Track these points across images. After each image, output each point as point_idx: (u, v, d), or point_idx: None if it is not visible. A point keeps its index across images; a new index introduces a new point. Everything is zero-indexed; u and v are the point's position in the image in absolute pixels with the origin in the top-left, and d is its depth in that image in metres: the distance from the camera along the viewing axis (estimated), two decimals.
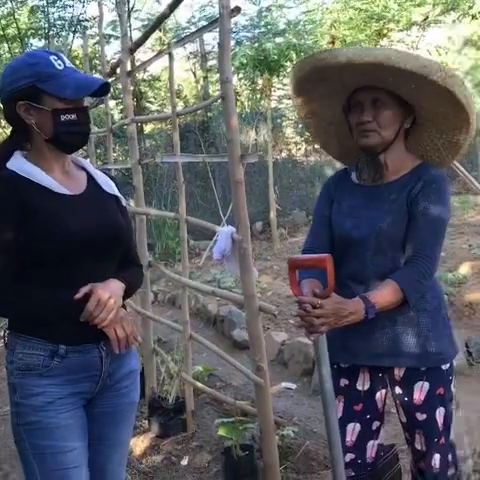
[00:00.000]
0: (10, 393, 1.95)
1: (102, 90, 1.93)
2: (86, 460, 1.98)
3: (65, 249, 1.86)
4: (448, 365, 2.23)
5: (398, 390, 2.26)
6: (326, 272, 1.92)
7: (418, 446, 2.26)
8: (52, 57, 1.89)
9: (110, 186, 2.08)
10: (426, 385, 2.20)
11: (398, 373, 2.24)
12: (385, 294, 2.05)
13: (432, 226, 2.12)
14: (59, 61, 1.88)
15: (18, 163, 1.91)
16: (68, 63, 1.91)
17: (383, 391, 2.32)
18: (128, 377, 2.09)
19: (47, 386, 1.90)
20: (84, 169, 2.08)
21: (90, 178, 2.06)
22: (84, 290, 1.85)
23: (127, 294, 2.03)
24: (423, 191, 2.13)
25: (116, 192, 2.09)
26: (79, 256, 1.89)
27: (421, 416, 2.23)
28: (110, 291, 1.89)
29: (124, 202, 2.13)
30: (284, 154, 16.49)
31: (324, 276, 1.95)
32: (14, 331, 1.95)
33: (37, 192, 1.88)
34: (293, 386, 4.87)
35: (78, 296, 1.84)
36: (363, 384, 2.30)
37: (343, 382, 2.32)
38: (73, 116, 1.89)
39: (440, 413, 2.22)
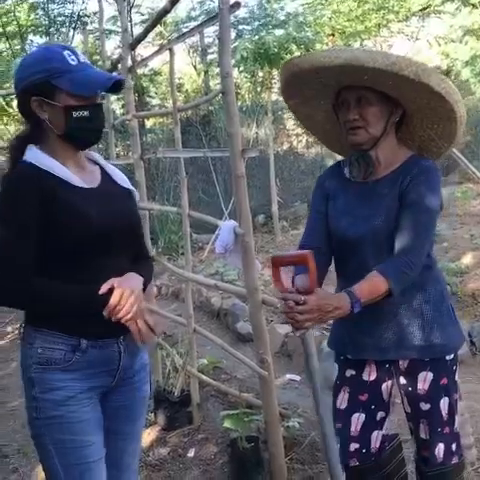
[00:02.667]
0: (26, 388, 1.95)
1: (115, 86, 1.93)
2: (104, 453, 2.01)
3: (84, 241, 1.88)
4: (452, 355, 2.25)
5: (402, 380, 2.28)
6: (308, 269, 1.92)
7: (423, 435, 2.29)
8: (66, 52, 1.89)
9: (124, 180, 2.09)
10: (430, 375, 2.22)
11: (402, 364, 2.26)
12: (370, 287, 2.03)
13: (420, 216, 2.11)
14: (73, 56, 1.88)
15: (35, 155, 1.91)
16: (82, 58, 1.91)
17: (389, 382, 2.34)
18: (141, 371, 2.13)
19: (68, 380, 1.91)
20: (97, 163, 2.09)
21: (103, 172, 2.07)
22: (107, 285, 1.87)
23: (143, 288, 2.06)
24: (412, 182, 2.14)
25: (129, 186, 2.10)
26: (97, 249, 1.91)
27: (425, 406, 2.25)
28: (131, 285, 1.90)
29: (137, 196, 2.14)
30: (285, 146, 16.45)
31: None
32: (33, 325, 1.94)
33: (57, 184, 1.88)
34: (297, 378, 4.88)
35: (102, 291, 1.86)
36: (369, 375, 2.32)
37: (349, 372, 2.34)
38: (86, 113, 1.90)
39: (444, 403, 2.24)
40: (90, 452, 1.95)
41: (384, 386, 2.33)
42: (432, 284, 2.24)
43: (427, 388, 2.23)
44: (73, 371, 1.93)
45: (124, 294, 1.87)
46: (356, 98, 2.15)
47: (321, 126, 2.44)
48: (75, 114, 1.89)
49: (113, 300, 1.86)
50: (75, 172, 1.96)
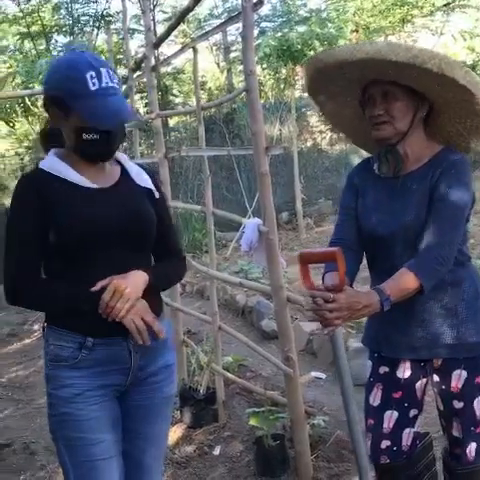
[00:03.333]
0: (45, 384, 2.01)
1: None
2: (118, 452, 2.01)
3: (85, 241, 1.89)
4: None
5: (436, 378, 2.26)
6: (337, 266, 1.89)
7: (456, 433, 2.27)
8: (90, 74, 1.84)
9: (142, 179, 2.08)
10: (464, 373, 2.19)
11: (436, 362, 2.23)
12: (401, 284, 2.01)
13: (450, 211, 2.08)
14: (95, 79, 1.84)
15: (48, 162, 1.96)
16: (105, 82, 1.86)
17: (424, 380, 2.32)
18: (163, 371, 2.10)
19: (76, 378, 1.93)
20: (119, 162, 2.10)
21: (124, 171, 2.08)
22: (102, 283, 1.87)
23: (162, 285, 2.06)
24: (442, 177, 2.10)
25: (149, 185, 2.09)
26: (102, 248, 1.92)
27: (458, 404, 2.22)
28: (127, 282, 1.89)
29: (157, 194, 2.12)
30: (309, 143, 16.41)
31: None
32: (48, 323, 2.00)
33: (62, 187, 1.91)
34: (323, 376, 4.88)
35: (95, 289, 1.87)
36: (403, 372, 2.29)
37: (383, 369, 2.32)
38: (96, 136, 1.89)
39: (478, 402, 2.22)
40: (98, 450, 1.95)
41: (418, 384, 2.31)
42: (466, 281, 2.20)
43: (461, 386, 2.21)
44: (81, 369, 1.94)
45: (117, 290, 1.85)
46: (382, 93, 2.13)
47: (349, 122, 2.41)
48: (85, 136, 1.89)
49: (105, 295, 1.85)
50: (90, 172, 1.97)
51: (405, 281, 2.01)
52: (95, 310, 1.88)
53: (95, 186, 1.96)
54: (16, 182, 1.99)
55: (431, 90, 2.11)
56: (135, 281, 1.92)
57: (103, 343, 1.94)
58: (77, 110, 1.86)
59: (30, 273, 1.93)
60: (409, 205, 2.16)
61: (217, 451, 3.71)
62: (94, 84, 1.84)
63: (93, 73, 1.84)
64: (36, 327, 7.21)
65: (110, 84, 1.88)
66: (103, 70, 1.87)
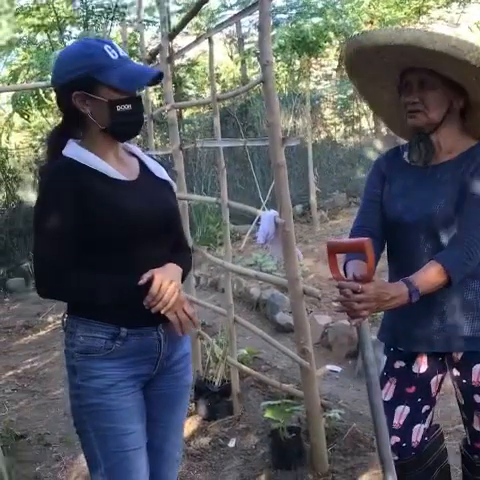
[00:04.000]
0: (70, 376, 1.99)
1: (154, 79, 1.95)
2: (145, 442, 2.03)
3: (123, 233, 1.89)
4: None
5: (456, 372, 2.23)
6: (366, 256, 1.87)
7: (477, 427, 2.24)
8: (106, 47, 1.89)
9: (161, 172, 2.09)
10: None
11: (456, 355, 2.21)
12: (429, 276, 1.99)
13: None
14: (113, 51, 1.89)
15: (74, 150, 1.93)
16: (122, 52, 1.92)
17: (439, 376, 2.30)
18: (183, 360, 2.13)
19: (108, 369, 1.94)
20: (135, 155, 2.10)
21: (142, 164, 2.08)
22: (147, 276, 1.87)
23: (184, 278, 2.06)
24: (476, 171, 2.08)
25: (167, 177, 2.10)
26: (137, 240, 1.92)
27: (479, 398, 2.21)
28: (170, 275, 1.91)
29: (175, 187, 2.15)
30: (323, 136, 16.36)
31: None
32: (75, 315, 1.98)
33: (95, 178, 1.90)
34: (338, 369, 4.87)
35: (142, 282, 1.86)
36: (419, 367, 2.27)
37: (399, 364, 2.30)
38: (128, 106, 1.91)
39: None
40: (130, 440, 1.97)
41: (434, 379, 2.29)
42: None
43: None
44: (114, 359, 1.95)
45: (163, 284, 1.87)
46: (419, 81, 2.11)
47: (387, 108, 2.39)
48: (119, 108, 1.90)
49: (152, 290, 1.86)
50: (114, 165, 1.97)
51: (434, 274, 2.00)
52: (130, 301, 1.89)
53: (123, 178, 1.96)
54: (42, 172, 1.97)
55: (469, 82, 2.08)
56: (175, 274, 1.96)
57: (136, 333, 1.96)
58: (106, 81, 1.87)
59: (60, 267, 1.89)
60: (437, 195, 2.13)
61: (232, 443, 3.71)
62: (114, 54, 1.90)
63: (109, 46, 1.91)
64: (51, 319, 7.25)
65: (126, 55, 1.95)
66: (114, 44, 1.94)
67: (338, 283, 1.92)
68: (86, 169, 1.90)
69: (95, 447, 1.97)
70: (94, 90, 1.88)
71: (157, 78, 1.95)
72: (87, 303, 1.94)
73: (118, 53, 1.90)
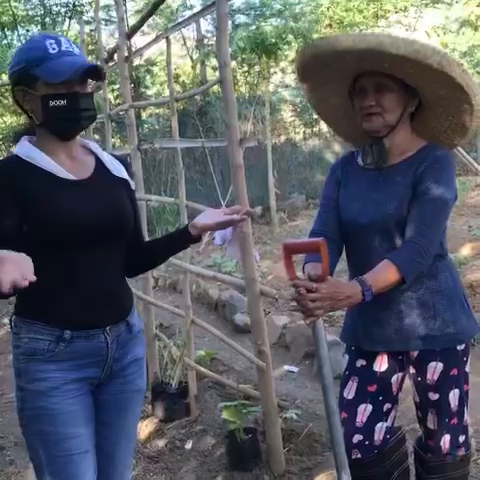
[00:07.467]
0: (15, 378, 1.95)
1: (96, 75, 1.88)
2: (92, 445, 1.98)
3: (65, 234, 1.84)
4: (464, 345, 2.23)
5: (412, 370, 2.27)
6: (320, 256, 1.89)
7: (430, 425, 2.28)
8: (49, 41, 1.84)
9: (118, 169, 2.04)
10: (440, 365, 2.20)
11: (413, 354, 2.24)
12: (382, 275, 2.01)
13: (433, 205, 2.09)
14: (54, 45, 1.83)
15: (24, 149, 1.89)
16: (65, 46, 1.84)
17: (400, 374, 2.32)
18: (134, 364, 2.09)
19: (52, 371, 1.89)
20: (93, 153, 2.04)
21: (98, 162, 2.02)
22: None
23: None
24: (426, 171, 2.11)
25: (125, 175, 2.06)
26: (82, 241, 1.87)
27: (434, 396, 2.24)
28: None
29: (133, 186, 2.10)
30: (283, 138, 16.44)
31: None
32: (20, 316, 1.94)
33: (39, 177, 1.85)
34: (295, 369, 4.89)
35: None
36: (380, 365, 2.30)
37: (360, 363, 2.33)
38: (62, 102, 1.84)
39: (454, 394, 2.23)
40: (74, 444, 1.92)
41: (394, 378, 2.31)
42: (442, 274, 2.22)
43: (436, 378, 2.22)
44: (58, 362, 1.90)
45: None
46: (374, 84, 2.13)
47: (334, 111, 2.40)
48: (51, 103, 1.84)
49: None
50: (64, 163, 1.92)
51: (387, 273, 2.02)
52: (74, 301, 1.85)
53: (72, 177, 1.91)
54: None
55: (424, 85, 2.12)
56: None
57: (82, 336, 1.92)
58: (40, 75, 1.82)
59: None
60: (391, 196, 2.16)
61: (189, 445, 3.69)
62: (54, 49, 1.83)
63: (52, 41, 1.85)
64: (6, 321, 7.12)
65: (70, 49, 1.86)
66: (63, 39, 1.88)
67: (293, 282, 1.93)
68: (30, 167, 1.86)
69: (39, 450, 1.93)
70: (32, 85, 1.84)
71: (91, 71, 1.85)
72: (28, 303, 1.89)
73: (59, 47, 1.83)
